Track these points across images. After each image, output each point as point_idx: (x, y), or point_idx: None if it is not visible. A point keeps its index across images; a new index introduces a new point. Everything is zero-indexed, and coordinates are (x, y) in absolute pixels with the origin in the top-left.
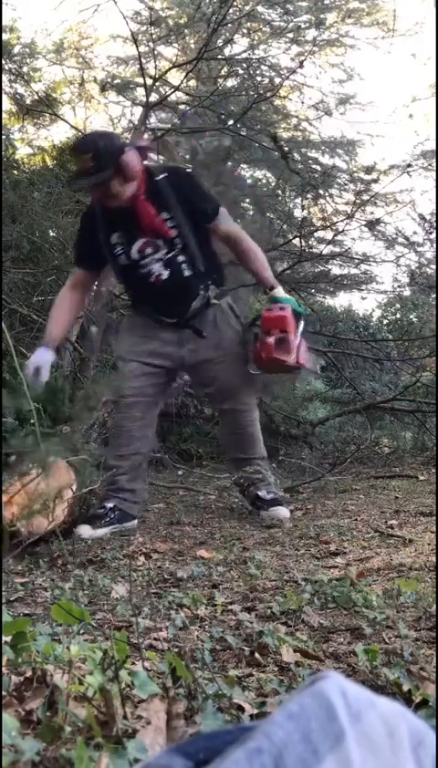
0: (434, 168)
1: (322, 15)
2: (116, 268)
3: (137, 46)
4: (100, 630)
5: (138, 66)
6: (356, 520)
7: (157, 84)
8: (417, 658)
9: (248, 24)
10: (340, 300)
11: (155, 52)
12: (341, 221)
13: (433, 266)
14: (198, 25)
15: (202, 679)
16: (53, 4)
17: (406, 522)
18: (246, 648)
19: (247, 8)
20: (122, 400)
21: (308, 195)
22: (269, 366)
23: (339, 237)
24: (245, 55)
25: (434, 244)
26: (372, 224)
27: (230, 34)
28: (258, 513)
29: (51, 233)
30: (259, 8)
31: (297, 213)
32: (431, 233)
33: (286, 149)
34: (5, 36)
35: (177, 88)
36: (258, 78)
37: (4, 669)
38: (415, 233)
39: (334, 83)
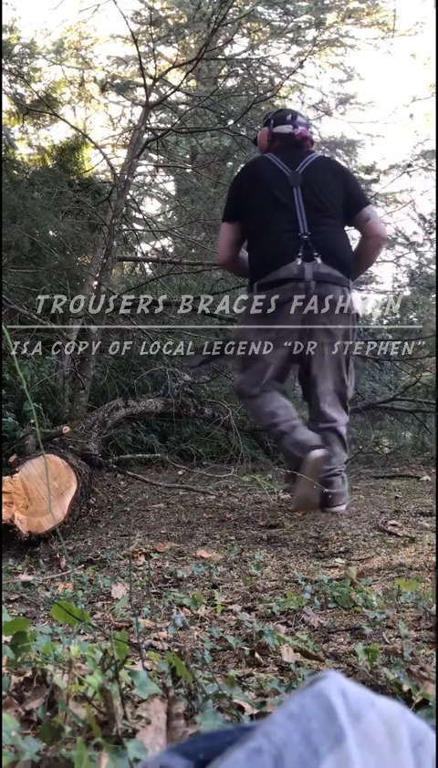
0: (434, 168)
1: (322, 15)
2: None
3: (137, 46)
4: (100, 630)
5: (138, 66)
6: (356, 520)
7: (157, 84)
8: (417, 658)
9: (248, 24)
10: None
11: (155, 52)
12: None
13: (433, 266)
14: (198, 25)
15: (202, 679)
16: (53, 4)
17: (406, 522)
18: (246, 648)
19: (247, 8)
20: None
21: None
22: None
23: None
24: (245, 55)
25: (434, 244)
26: None
27: (230, 34)
28: None
29: (51, 233)
30: (259, 8)
31: None
32: (431, 233)
33: None
34: (5, 36)
35: (177, 88)
36: (258, 78)
37: (4, 669)
38: (415, 233)
39: (334, 83)
